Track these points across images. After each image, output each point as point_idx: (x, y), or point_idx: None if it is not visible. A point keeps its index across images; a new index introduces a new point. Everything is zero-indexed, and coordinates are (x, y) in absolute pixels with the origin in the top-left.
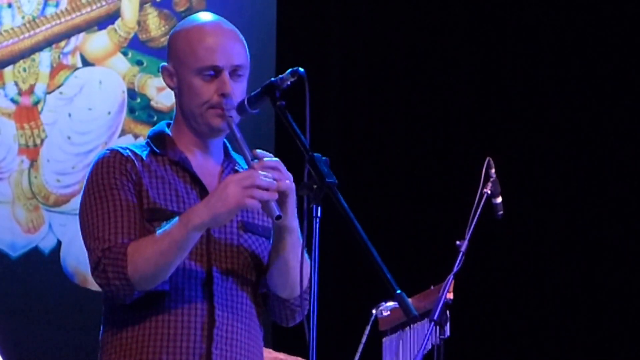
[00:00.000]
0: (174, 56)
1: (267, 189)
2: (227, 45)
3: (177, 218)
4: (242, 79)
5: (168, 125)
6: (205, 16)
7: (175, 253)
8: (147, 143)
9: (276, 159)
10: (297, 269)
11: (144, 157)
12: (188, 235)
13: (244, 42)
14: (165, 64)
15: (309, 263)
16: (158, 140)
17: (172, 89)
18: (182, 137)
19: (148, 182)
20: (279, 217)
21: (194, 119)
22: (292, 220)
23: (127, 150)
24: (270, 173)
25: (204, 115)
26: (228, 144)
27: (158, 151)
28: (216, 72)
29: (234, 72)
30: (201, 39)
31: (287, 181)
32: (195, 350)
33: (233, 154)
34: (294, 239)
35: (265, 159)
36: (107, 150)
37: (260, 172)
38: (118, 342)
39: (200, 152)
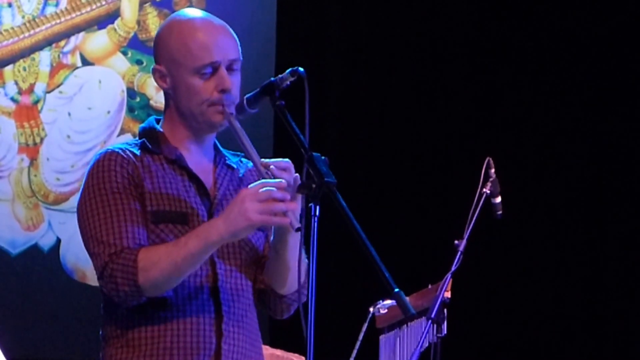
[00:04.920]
0: (165, 57)
1: (282, 201)
2: (221, 40)
3: (194, 230)
4: (237, 73)
5: (157, 121)
6: (192, 12)
7: (190, 265)
8: (143, 142)
9: (288, 160)
10: (295, 267)
11: (142, 157)
12: (205, 249)
13: (235, 35)
14: (155, 65)
15: (307, 261)
16: (151, 138)
17: (164, 89)
18: (175, 134)
19: (150, 183)
20: (298, 229)
21: (194, 117)
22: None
23: (127, 152)
24: (283, 174)
25: (204, 113)
26: (216, 140)
27: (153, 149)
28: (213, 68)
29: (230, 66)
30: (194, 36)
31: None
32: (205, 345)
33: (222, 149)
34: (296, 240)
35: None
36: (105, 151)
37: (272, 178)
38: (125, 338)
39: (195, 149)
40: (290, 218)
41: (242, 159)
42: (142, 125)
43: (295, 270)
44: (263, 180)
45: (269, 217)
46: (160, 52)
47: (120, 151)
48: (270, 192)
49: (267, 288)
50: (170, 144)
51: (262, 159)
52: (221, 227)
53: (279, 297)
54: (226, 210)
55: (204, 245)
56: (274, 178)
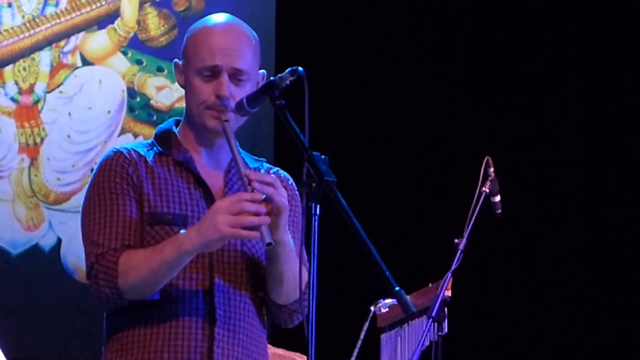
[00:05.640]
0: (183, 54)
1: (256, 214)
2: (231, 47)
3: (172, 237)
4: (244, 84)
5: (177, 123)
6: (219, 17)
7: (166, 272)
8: (153, 142)
9: (272, 176)
10: (290, 278)
11: (148, 158)
12: (179, 257)
13: (254, 47)
14: (177, 60)
15: (308, 265)
16: (164, 139)
17: (181, 86)
18: (188, 135)
19: (150, 185)
20: (269, 244)
21: (193, 118)
22: (284, 235)
23: (132, 152)
24: (264, 188)
25: (200, 115)
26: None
27: (163, 151)
28: (214, 72)
29: (235, 75)
30: (206, 39)
31: (283, 198)
32: (196, 349)
33: (242, 152)
34: (287, 252)
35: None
36: (112, 151)
37: (252, 190)
38: (119, 341)
39: (207, 151)
40: (262, 232)
41: (264, 164)
42: (161, 125)
43: (290, 281)
44: (239, 193)
45: (238, 230)
46: (182, 49)
47: (125, 151)
48: (243, 204)
49: (267, 297)
50: (182, 145)
51: (250, 169)
52: (194, 237)
53: (278, 306)
54: (200, 220)
55: (177, 253)
56: (253, 190)
